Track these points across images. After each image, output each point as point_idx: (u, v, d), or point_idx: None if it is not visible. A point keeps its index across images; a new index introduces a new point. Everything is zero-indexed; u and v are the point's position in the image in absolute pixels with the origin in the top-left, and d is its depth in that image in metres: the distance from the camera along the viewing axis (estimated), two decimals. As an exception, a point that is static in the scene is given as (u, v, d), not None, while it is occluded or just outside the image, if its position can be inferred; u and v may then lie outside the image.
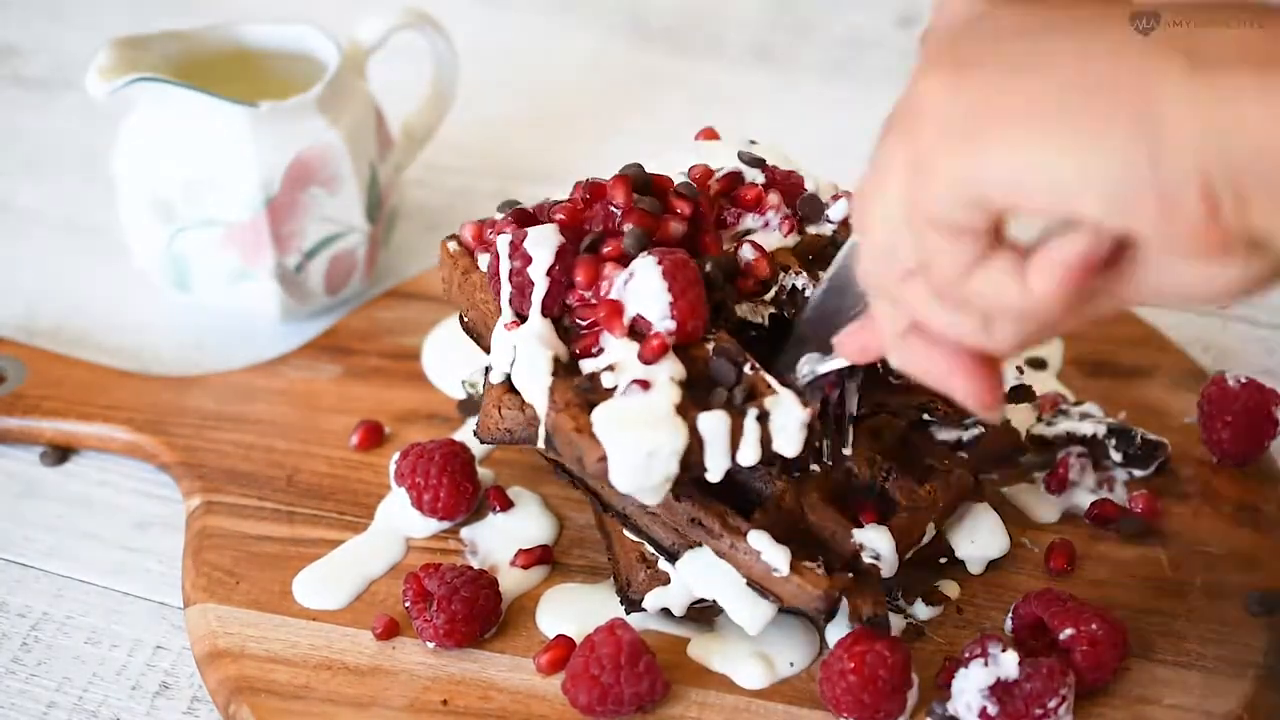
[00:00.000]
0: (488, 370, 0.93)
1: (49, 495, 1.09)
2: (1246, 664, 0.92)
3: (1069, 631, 0.89)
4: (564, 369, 0.88)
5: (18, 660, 0.98)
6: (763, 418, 0.85)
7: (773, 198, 0.96)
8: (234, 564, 1.00)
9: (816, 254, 0.95)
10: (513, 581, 0.98)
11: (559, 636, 0.94)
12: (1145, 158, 0.58)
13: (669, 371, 0.85)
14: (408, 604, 0.94)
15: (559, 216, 0.92)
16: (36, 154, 1.41)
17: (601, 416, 0.85)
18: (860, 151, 1.35)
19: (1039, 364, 1.11)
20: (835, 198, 0.98)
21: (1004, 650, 0.87)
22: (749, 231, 0.96)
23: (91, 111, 1.24)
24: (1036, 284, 0.64)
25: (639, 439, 0.83)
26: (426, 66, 1.25)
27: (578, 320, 0.89)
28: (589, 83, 1.49)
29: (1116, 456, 1.03)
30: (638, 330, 0.88)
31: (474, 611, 0.93)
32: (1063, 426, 1.04)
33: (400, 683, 0.93)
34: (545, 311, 0.89)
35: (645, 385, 0.85)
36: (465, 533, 1.02)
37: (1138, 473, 1.03)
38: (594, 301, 0.89)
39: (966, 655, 0.88)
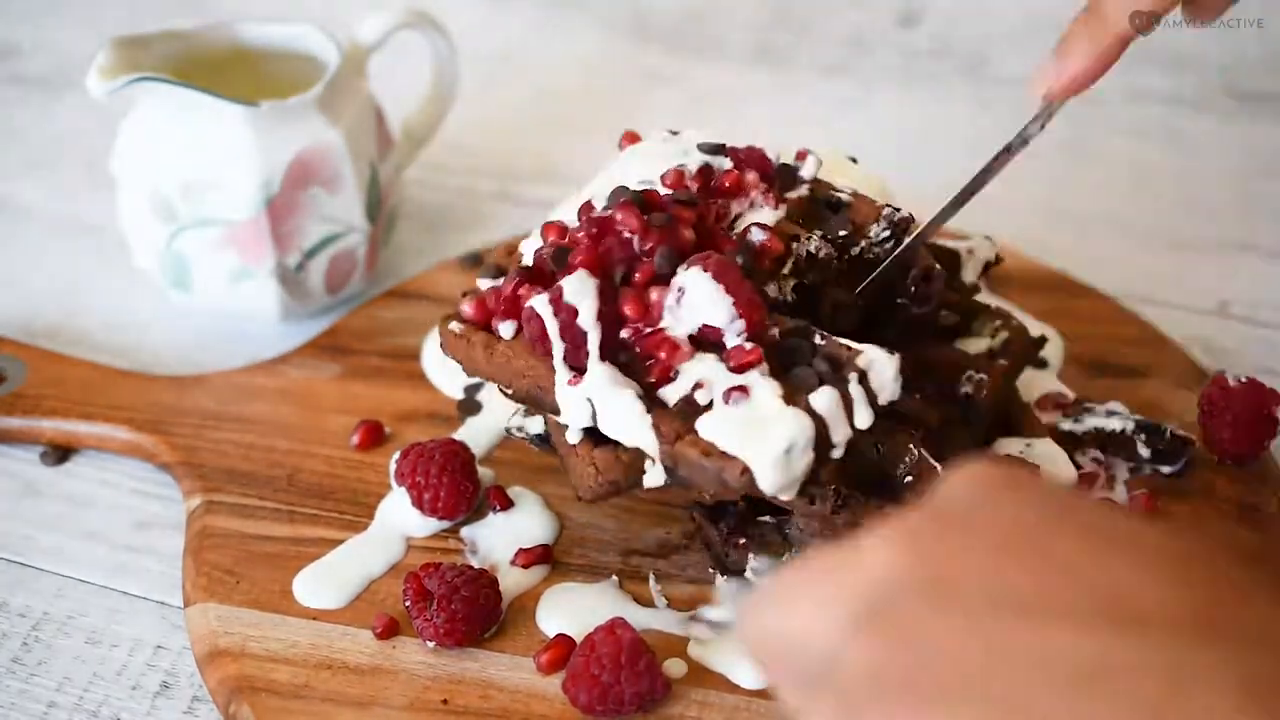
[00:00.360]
0: (544, 420, 0.93)
1: (49, 495, 1.09)
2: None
3: None
4: (646, 404, 0.88)
5: (18, 660, 0.98)
6: (863, 379, 0.86)
7: (750, 177, 0.96)
8: (234, 563, 1.00)
9: (805, 214, 0.96)
10: (513, 581, 0.98)
11: (559, 636, 0.94)
12: None
13: (759, 369, 0.86)
14: (408, 603, 0.94)
15: (579, 259, 0.90)
16: (37, 154, 1.41)
17: (723, 431, 0.85)
18: (860, 151, 1.36)
19: (1040, 363, 1.11)
20: (799, 156, 0.99)
21: None
22: (740, 216, 0.96)
23: (92, 111, 1.24)
24: None
25: (774, 440, 0.84)
26: (427, 66, 1.25)
27: (638, 352, 0.89)
28: (589, 82, 1.49)
29: (1145, 452, 1.03)
30: (703, 340, 0.88)
31: (474, 611, 0.93)
32: (1090, 423, 1.04)
33: (400, 682, 0.93)
34: (604, 356, 0.89)
35: (744, 390, 0.85)
36: (465, 532, 1.02)
37: (1166, 469, 1.03)
38: (649, 330, 0.89)
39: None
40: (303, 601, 0.97)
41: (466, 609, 0.93)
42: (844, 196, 0.99)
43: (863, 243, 0.97)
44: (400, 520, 1.02)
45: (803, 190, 0.98)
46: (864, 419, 0.86)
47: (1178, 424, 1.07)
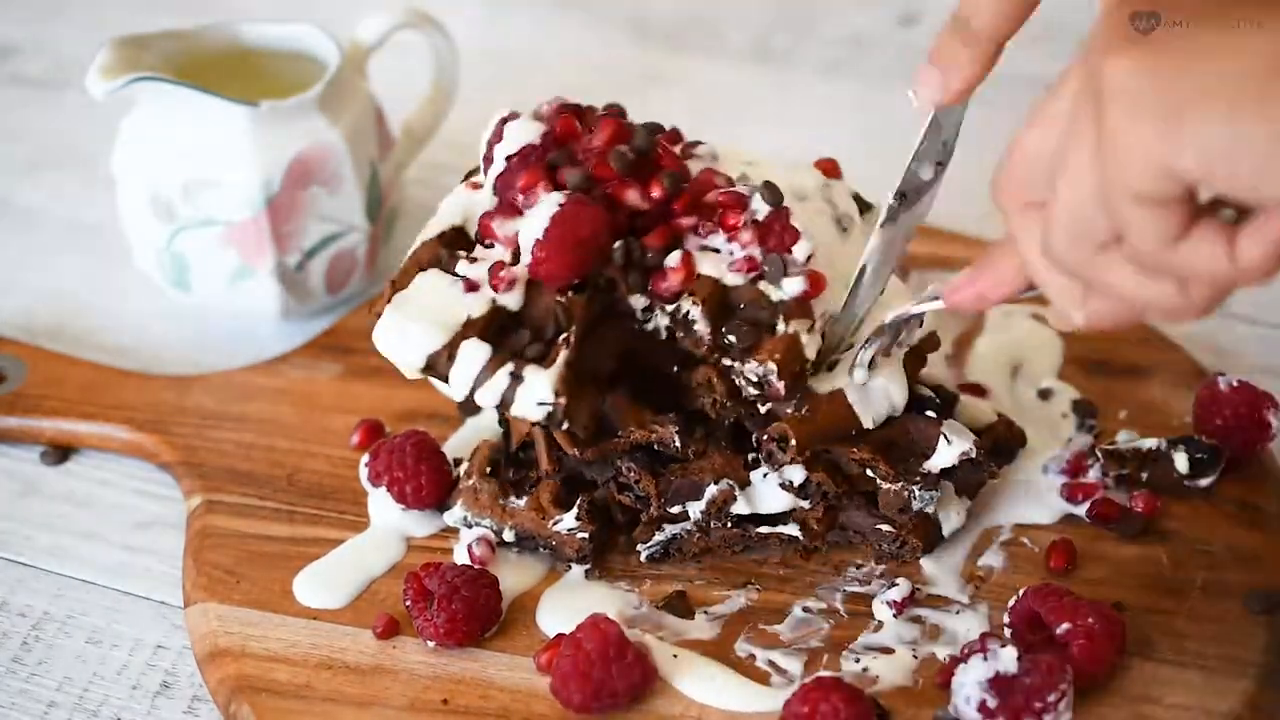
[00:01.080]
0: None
1: (50, 494, 1.09)
2: (1247, 663, 0.92)
3: (1065, 626, 0.89)
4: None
5: (18, 660, 0.98)
6: (516, 376, 0.89)
7: (746, 235, 0.92)
8: (235, 563, 1.00)
9: (716, 303, 0.92)
10: (513, 581, 0.98)
11: (559, 636, 0.94)
12: None
13: (495, 297, 0.91)
14: (408, 603, 0.94)
15: (556, 124, 0.94)
16: (37, 153, 1.41)
17: (401, 297, 0.91)
18: (861, 151, 1.36)
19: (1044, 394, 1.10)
20: (794, 272, 0.93)
21: (1003, 646, 0.87)
22: (704, 247, 0.93)
23: (92, 111, 1.24)
24: (1248, 253, 0.67)
25: (404, 320, 0.90)
26: (427, 66, 1.25)
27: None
28: (589, 82, 1.49)
29: (1183, 467, 1.01)
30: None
31: (474, 610, 0.93)
32: (1127, 443, 1.03)
33: (401, 682, 0.93)
34: (495, 190, 0.93)
35: (473, 288, 0.91)
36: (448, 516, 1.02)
37: (1203, 482, 1.01)
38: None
39: (966, 651, 0.88)
40: (303, 601, 0.97)
41: (466, 609, 0.93)
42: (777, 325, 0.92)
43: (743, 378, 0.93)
44: (395, 521, 1.02)
45: (764, 287, 0.92)
46: (486, 398, 0.90)
47: (1178, 422, 1.07)
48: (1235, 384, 1.03)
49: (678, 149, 0.98)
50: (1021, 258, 0.77)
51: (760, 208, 0.93)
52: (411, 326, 0.91)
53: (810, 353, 0.91)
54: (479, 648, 0.94)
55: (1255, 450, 1.03)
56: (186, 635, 0.98)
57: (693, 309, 0.91)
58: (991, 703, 0.86)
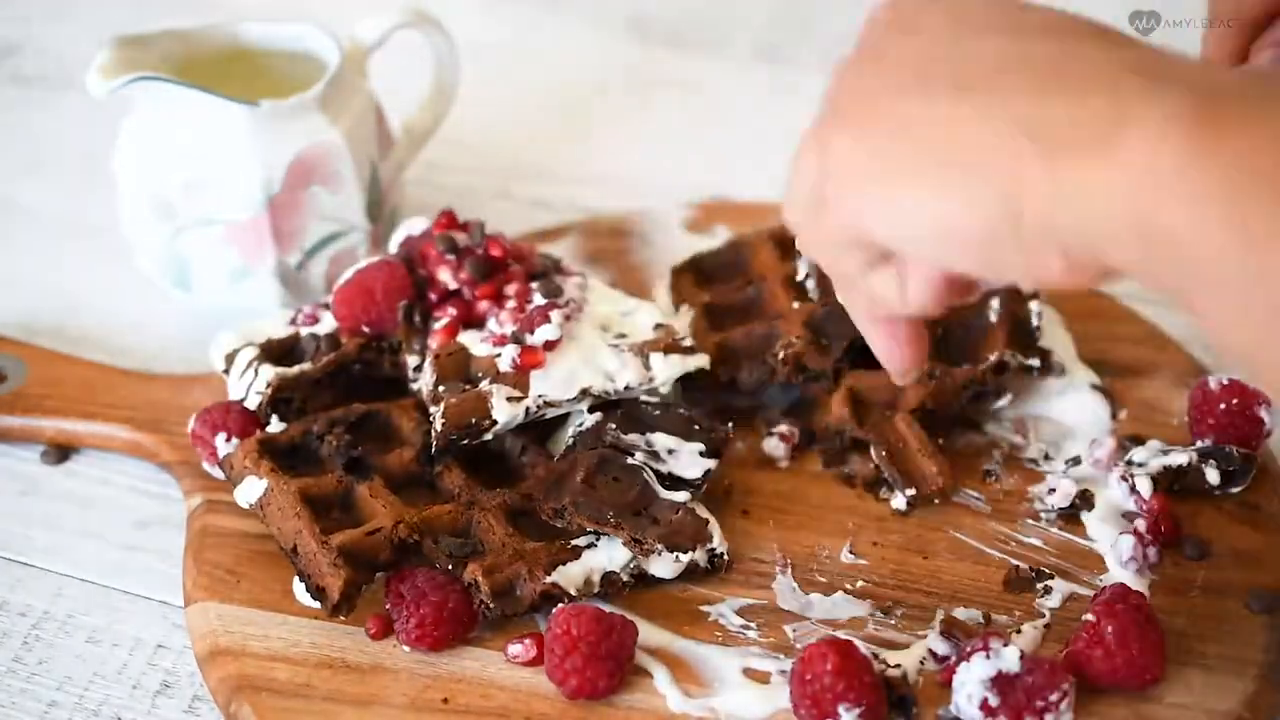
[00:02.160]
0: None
1: (50, 494, 1.09)
2: (1247, 662, 0.92)
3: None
4: None
5: (19, 659, 0.98)
6: (255, 369, 1.07)
7: (506, 315, 1.04)
8: (235, 562, 1.00)
9: (455, 363, 1.03)
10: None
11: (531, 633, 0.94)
12: (1009, 227, 0.68)
13: (300, 329, 1.08)
14: (388, 606, 0.94)
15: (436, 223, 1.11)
16: (37, 153, 1.41)
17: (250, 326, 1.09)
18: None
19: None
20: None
21: (1005, 645, 0.87)
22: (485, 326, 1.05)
23: (92, 110, 1.24)
24: (912, 292, 0.77)
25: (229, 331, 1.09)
26: (427, 65, 1.25)
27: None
28: (589, 81, 1.49)
29: (1215, 479, 1.00)
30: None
31: (442, 615, 0.93)
32: (1156, 461, 1.01)
33: (401, 681, 0.93)
34: None
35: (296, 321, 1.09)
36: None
37: (1234, 489, 1.01)
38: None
39: (968, 649, 0.88)
40: (304, 601, 0.97)
41: (435, 614, 0.93)
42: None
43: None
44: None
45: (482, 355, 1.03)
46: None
47: (1178, 421, 1.07)
48: (1225, 382, 1.03)
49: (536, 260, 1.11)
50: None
51: (537, 300, 1.04)
52: (226, 334, 1.09)
53: (500, 415, 0.99)
54: (479, 647, 0.94)
55: (1252, 447, 1.03)
56: (187, 635, 0.98)
57: (423, 379, 1.03)
58: (993, 701, 0.86)
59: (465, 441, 1.00)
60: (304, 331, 1.08)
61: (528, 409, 1.00)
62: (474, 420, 0.99)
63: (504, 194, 1.36)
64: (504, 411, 0.99)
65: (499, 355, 1.02)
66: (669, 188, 1.34)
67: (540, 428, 1.03)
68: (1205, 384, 1.04)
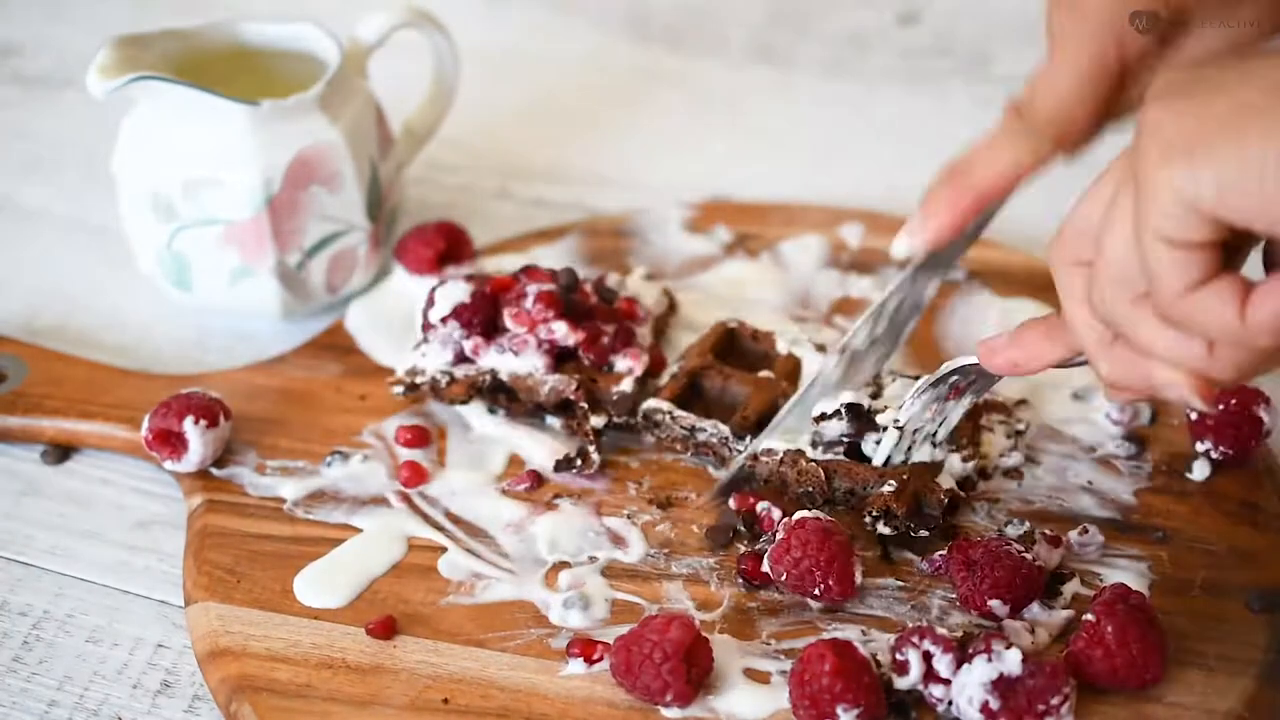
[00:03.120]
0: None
1: (50, 494, 1.09)
2: (1247, 662, 0.92)
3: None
4: None
5: (19, 659, 0.98)
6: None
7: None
8: (235, 562, 1.00)
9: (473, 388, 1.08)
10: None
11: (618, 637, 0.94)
12: None
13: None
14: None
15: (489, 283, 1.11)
16: (37, 153, 1.41)
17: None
18: (860, 151, 1.35)
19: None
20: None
21: (1007, 648, 0.87)
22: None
23: (92, 110, 1.24)
24: (1255, 313, 0.69)
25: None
26: (427, 65, 1.25)
27: None
28: (589, 81, 1.49)
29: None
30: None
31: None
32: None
33: (401, 681, 0.93)
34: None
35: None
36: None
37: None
38: None
39: (970, 652, 0.88)
40: (304, 601, 0.97)
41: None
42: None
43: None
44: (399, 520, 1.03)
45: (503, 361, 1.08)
46: None
47: (1178, 421, 1.07)
48: None
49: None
50: (1063, 314, 0.80)
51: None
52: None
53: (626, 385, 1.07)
54: (479, 647, 0.94)
55: (1251, 447, 1.03)
56: (187, 634, 0.98)
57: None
58: (994, 704, 0.86)
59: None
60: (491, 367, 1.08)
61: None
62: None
63: (504, 194, 1.36)
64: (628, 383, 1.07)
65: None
66: (669, 188, 1.34)
67: None
68: None
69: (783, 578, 0.94)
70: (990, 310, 1.16)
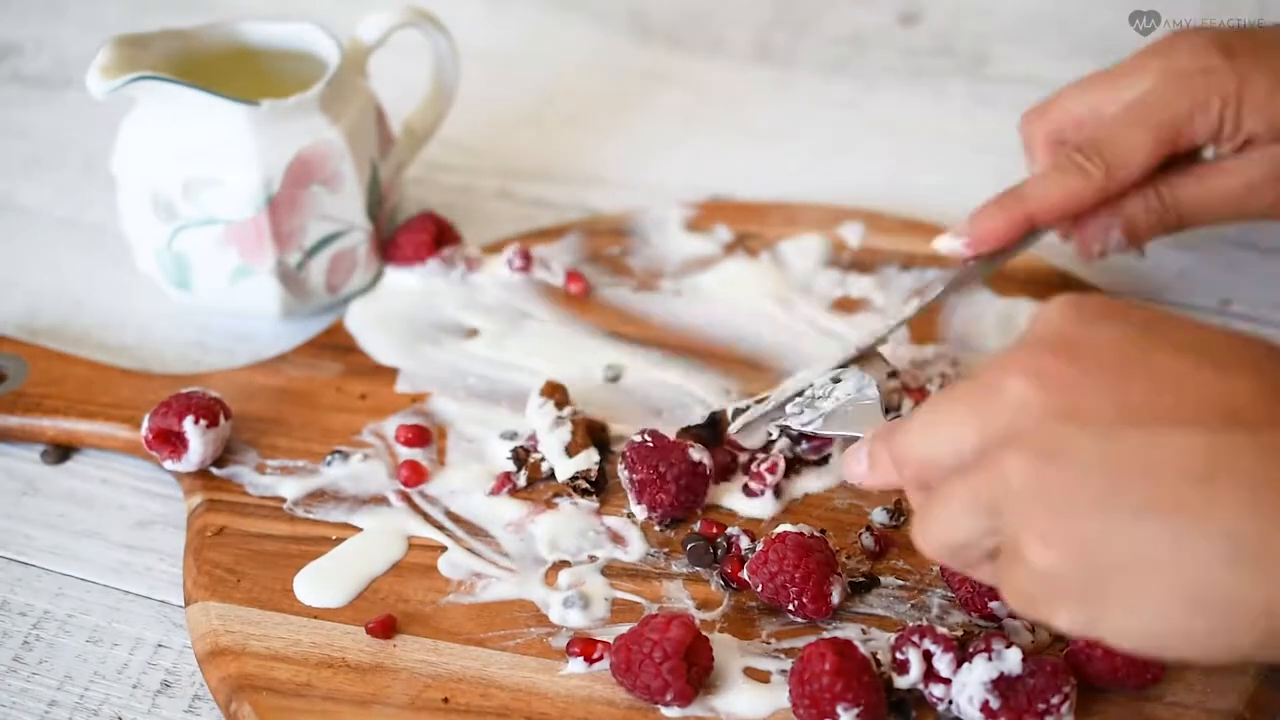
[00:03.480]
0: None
1: (50, 493, 1.09)
2: (1248, 661, 0.92)
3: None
4: None
5: (19, 659, 0.98)
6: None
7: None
8: (235, 562, 1.00)
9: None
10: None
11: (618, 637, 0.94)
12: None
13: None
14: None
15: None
16: (37, 152, 1.41)
17: None
18: (860, 151, 1.35)
19: None
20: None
21: (1008, 646, 0.87)
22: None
23: (92, 110, 1.24)
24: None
25: None
26: (427, 64, 1.25)
27: None
28: (590, 81, 1.49)
29: None
30: None
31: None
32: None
33: (401, 680, 0.93)
34: None
35: None
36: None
37: None
38: None
39: (971, 651, 0.88)
40: (304, 600, 0.97)
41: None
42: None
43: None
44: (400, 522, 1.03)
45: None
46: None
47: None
48: None
49: None
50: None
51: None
52: None
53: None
54: (479, 646, 0.94)
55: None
56: (187, 634, 0.98)
57: None
58: (994, 703, 0.86)
59: None
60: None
61: None
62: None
63: (504, 194, 1.36)
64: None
65: None
66: (669, 188, 1.34)
67: None
68: None
69: (759, 589, 0.94)
70: (990, 310, 1.16)
